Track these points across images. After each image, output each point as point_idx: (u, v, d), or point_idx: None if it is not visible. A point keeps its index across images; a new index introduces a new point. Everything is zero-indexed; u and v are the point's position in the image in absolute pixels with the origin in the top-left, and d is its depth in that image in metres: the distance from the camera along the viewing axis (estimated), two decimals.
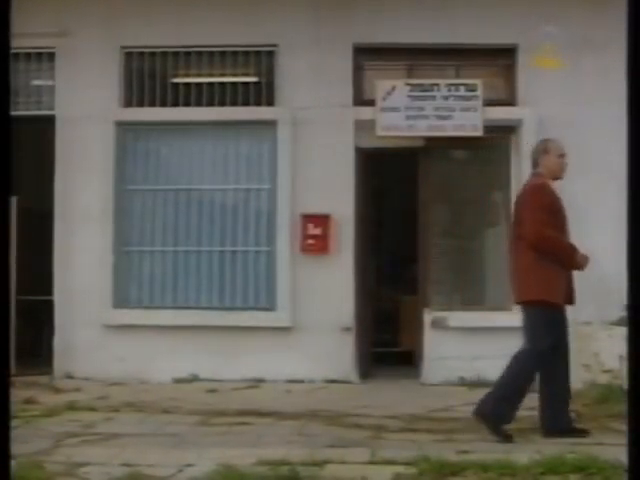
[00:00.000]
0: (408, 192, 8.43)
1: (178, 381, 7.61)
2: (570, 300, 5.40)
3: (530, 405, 6.38)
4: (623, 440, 4.92)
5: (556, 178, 5.50)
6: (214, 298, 8.04)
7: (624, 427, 5.30)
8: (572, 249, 5.35)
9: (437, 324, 7.74)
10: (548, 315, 5.23)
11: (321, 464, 4.31)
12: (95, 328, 7.86)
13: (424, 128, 7.87)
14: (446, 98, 7.83)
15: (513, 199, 7.97)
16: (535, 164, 5.54)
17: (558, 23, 7.74)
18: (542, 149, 5.53)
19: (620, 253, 7.56)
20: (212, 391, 7.11)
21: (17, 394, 5.98)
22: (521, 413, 6.03)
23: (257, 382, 7.51)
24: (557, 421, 5.23)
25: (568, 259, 5.32)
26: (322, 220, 7.81)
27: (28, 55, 8.04)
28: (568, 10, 7.78)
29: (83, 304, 7.88)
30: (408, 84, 7.90)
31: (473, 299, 8.04)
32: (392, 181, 9.81)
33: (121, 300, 8.02)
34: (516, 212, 5.54)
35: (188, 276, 8.08)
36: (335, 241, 7.85)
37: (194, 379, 7.66)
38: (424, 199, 8.12)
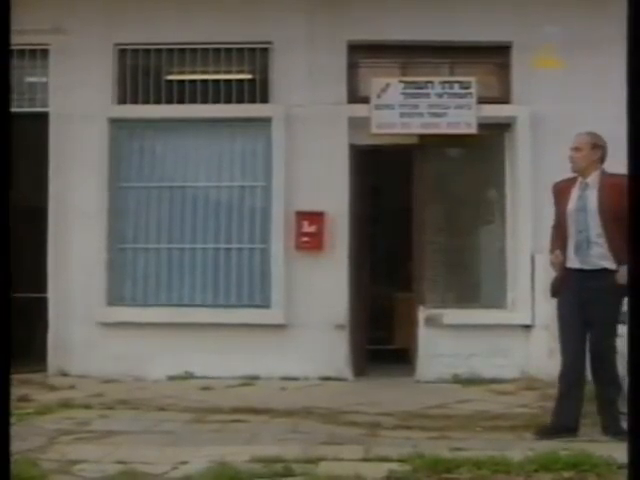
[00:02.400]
0: (402, 189, 8.43)
1: (173, 378, 7.60)
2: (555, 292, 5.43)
3: (522, 402, 6.41)
4: None
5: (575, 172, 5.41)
6: (208, 295, 8.04)
7: None
8: (552, 248, 5.49)
9: (432, 321, 7.75)
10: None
11: (315, 461, 4.31)
12: (89, 325, 7.85)
13: (418, 126, 7.87)
14: (440, 96, 7.84)
15: (508, 196, 8.03)
16: None
17: (553, 21, 7.76)
18: None
19: None
20: (206, 388, 7.11)
21: (11, 392, 5.97)
22: (515, 410, 6.07)
23: (251, 379, 7.51)
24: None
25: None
26: (317, 218, 7.81)
27: (22, 52, 8.01)
28: (563, 8, 7.79)
29: (77, 301, 7.87)
30: (402, 81, 7.90)
31: (468, 297, 8.05)
32: (386, 178, 9.80)
33: (115, 298, 8.01)
34: None
35: (182, 273, 8.07)
36: (329, 238, 7.85)
37: (189, 376, 7.65)
38: (419, 197, 8.12)
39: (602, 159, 5.35)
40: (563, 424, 5.09)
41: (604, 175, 5.26)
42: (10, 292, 1.81)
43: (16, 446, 4.48)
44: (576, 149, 5.36)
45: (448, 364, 7.61)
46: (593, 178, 5.27)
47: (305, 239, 7.82)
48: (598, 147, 5.34)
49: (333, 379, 7.60)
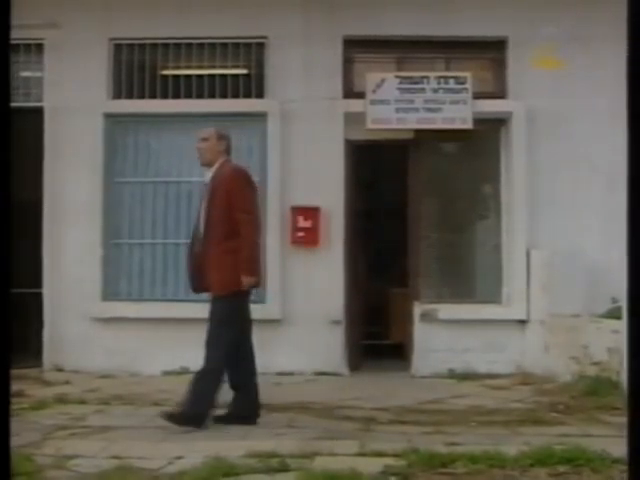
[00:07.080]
0: (398, 185, 8.43)
1: (168, 374, 7.60)
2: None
3: (517, 397, 6.41)
4: (611, 432, 4.97)
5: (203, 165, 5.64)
6: None
7: (612, 419, 5.37)
8: None
9: (427, 317, 7.76)
10: None
11: (310, 456, 4.31)
12: (84, 321, 7.84)
13: (414, 121, 7.86)
14: (436, 91, 7.83)
15: (503, 191, 8.04)
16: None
17: (548, 17, 7.76)
18: None
19: (607, 246, 7.63)
20: None
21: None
22: (510, 405, 6.06)
23: None
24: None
25: None
26: (312, 213, 7.81)
27: (17, 46, 7.98)
28: (557, 4, 7.79)
29: (72, 297, 7.86)
30: (398, 77, 7.89)
31: (463, 292, 8.06)
32: (382, 174, 9.81)
33: (110, 293, 8.00)
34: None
35: (177, 268, 8.04)
36: (325, 234, 7.84)
37: (184, 371, 7.62)
38: (414, 192, 8.13)
39: (228, 151, 5.43)
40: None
41: (225, 167, 5.34)
42: (9, 289, 1.80)
43: (11, 441, 4.48)
44: (203, 139, 5.41)
45: (443, 359, 7.62)
46: (214, 169, 5.36)
47: (300, 234, 7.82)
48: (223, 138, 5.42)
49: (328, 374, 7.60)
